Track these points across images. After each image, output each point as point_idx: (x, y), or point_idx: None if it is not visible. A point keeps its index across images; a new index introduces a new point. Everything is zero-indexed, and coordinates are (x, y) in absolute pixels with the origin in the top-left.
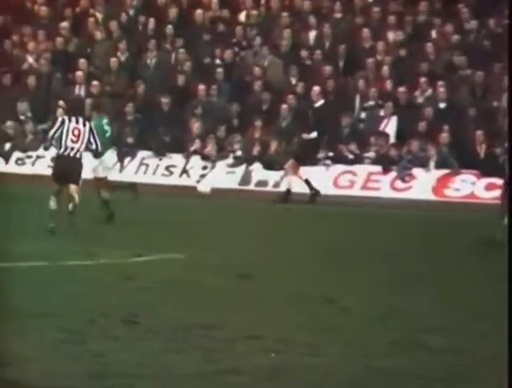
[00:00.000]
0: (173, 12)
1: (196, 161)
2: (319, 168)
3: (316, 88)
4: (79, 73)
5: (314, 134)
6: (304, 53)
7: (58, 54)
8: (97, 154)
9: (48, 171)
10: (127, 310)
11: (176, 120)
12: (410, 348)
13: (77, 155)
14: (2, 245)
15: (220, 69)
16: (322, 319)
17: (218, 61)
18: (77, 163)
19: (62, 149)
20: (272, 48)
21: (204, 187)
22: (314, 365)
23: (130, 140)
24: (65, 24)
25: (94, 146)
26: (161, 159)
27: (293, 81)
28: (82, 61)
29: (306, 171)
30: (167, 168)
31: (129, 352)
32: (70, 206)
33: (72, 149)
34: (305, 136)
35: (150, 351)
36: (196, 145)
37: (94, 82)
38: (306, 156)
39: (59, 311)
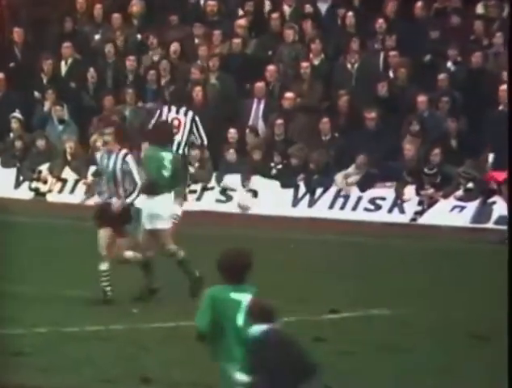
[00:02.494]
0: (392, 6)
1: (411, 192)
2: None
3: None
4: (259, 85)
5: None
6: None
7: (233, 59)
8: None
9: (216, 207)
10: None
11: (384, 140)
12: None
13: (180, 151)
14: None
15: (443, 76)
16: None
17: (449, 65)
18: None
19: None
20: None
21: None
22: None
23: (318, 165)
24: (242, 22)
25: (198, 141)
26: (364, 190)
27: None
28: (271, 68)
29: None
30: (372, 201)
31: None
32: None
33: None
34: None
35: None
36: (410, 171)
37: (288, 94)
38: None
39: None
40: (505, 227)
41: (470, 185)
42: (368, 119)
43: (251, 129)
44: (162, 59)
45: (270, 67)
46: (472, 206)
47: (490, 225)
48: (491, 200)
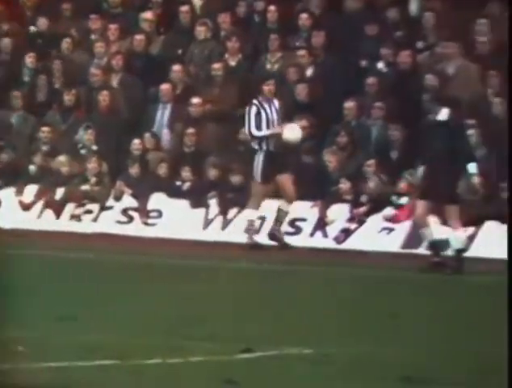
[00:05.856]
0: None
1: (338, 212)
2: None
3: None
4: (165, 87)
5: None
6: None
7: (136, 59)
8: None
9: (116, 228)
10: None
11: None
12: None
13: None
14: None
15: (372, 79)
16: None
17: (380, 66)
18: None
19: None
20: (463, 47)
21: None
22: None
23: (237, 180)
24: (148, 15)
25: None
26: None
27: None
28: (177, 68)
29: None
30: (292, 223)
31: None
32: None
33: None
34: None
35: None
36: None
37: (195, 100)
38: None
39: None
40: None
41: (403, 200)
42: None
43: (152, 138)
44: (54, 58)
45: (177, 67)
46: (402, 228)
47: (422, 250)
48: None
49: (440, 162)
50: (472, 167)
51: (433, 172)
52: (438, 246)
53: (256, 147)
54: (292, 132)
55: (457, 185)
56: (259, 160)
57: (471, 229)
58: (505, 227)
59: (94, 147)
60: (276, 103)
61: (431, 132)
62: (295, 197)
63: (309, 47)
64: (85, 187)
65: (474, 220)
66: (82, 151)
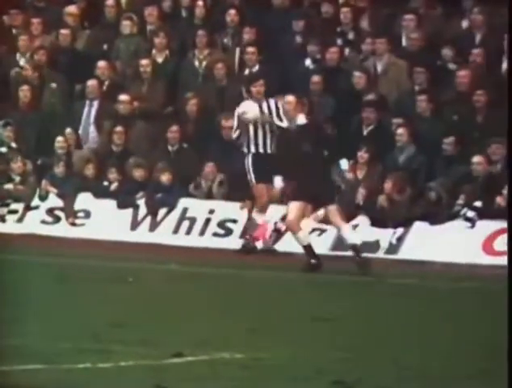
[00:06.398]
0: None
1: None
2: (456, 224)
3: None
4: (92, 83)
5: None
6: (446, 52)
7: (61, 54)
8: None
9: (44, 229)
10: None
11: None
12: None
13: None
14: None
15: (316, 78)
16: None
17: (310, 64)
18: None
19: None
20: (392, 43)
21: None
22: None
23: (166, 179)
24: (72, 9)
25: None
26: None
27: (420, 96)
28: (103, 64)
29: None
30: (222, 224)
31: None
32: None
33: None
34: None
35: None
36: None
37: (123, 97)
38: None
39: None
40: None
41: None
42: (225, 127)
43: (73, 135)
44: None
45: (103, 63)
46: (333, 230)
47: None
48: (355, 222)
49: (304, 166)
50: (343, 163)
51: (297, 177)
52: (311, 248)
53: (245, 150)
54: (247, 107)
55: (327, 186)
56: (248, 163)
57: (399, 231)
58: (432, 228)
59: (14, 144)
60: (272, 102)
61: (291, 139)
62: (267, 206)
63: (240, 44)
64: (8, 187)
65: (401, 221)
66: (2, 149)
